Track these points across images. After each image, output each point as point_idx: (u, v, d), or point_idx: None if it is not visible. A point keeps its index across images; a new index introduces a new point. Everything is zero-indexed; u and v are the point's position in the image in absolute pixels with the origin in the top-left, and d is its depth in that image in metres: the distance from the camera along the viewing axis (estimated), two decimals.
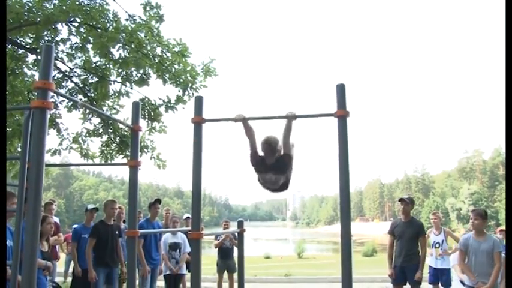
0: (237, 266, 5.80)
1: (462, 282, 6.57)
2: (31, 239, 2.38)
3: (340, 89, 3.33)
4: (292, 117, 3.50)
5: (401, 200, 6.71)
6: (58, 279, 8.89)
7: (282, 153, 3.61)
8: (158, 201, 7.33)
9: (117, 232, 6.53)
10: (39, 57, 7.17)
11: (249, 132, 3.65)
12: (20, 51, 7.76)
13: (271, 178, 3.61)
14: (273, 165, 3.57)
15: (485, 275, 5.33)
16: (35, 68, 8.11)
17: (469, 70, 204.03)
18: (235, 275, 8.14)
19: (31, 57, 8.12)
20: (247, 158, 3.70)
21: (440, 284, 7.60)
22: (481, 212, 5.61)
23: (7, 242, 3.97)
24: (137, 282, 4.77)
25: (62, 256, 10.33)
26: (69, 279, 9.16)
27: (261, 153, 3.64)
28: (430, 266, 7.62)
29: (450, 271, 7.33)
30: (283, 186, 3.76)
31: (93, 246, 6.25)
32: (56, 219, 7.42)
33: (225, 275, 9.51)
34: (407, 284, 6.42)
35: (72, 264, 8.82)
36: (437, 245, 7.58)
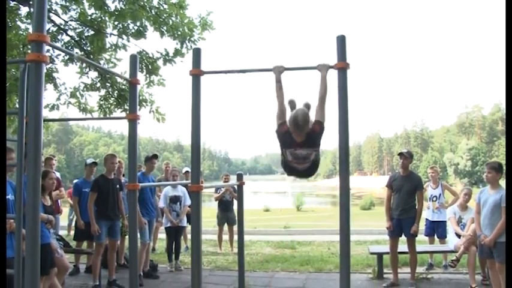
0: (236, 218, 5.90)
1: (457, 235, 6.72)
2: (33, 194, 2.39)
3: (341, 41, 3.26)
4: (325, 69, 3.31)
5: (400, 154, 6.73)
6: (61, 232, 9.07)
7: (313, 121, 3.36)
8: (155, 156, 7.36)
9: (118, 186, 6.59)
10: (32, 9, 6.99)
11: (281, 91, 3.38)
12: (12, 3, 7.57)
13: (301, 153, 3.32)
14: (304, 141, 3.31)
15: (487, 226, 5.38)
16: (29, 21, 7.93)
17: (469, 25, 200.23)
18: (235, 227, 8.31)
19: (24, 10, 7.95)
20: (275, 128, 3.42)
21: (436, 236, 7.77)
22: (495, 164, 5.54)
23: (8, 196, 4.02)
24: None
25: (65, 210, 10.50)
26: (72, 232, 9.36)
27: (288, 124, 3.36)
28: (426, 219, 7.75)
29: (446, 224, 7.47)
30: (313, 166, 3.40)
31: (94, 200, 6.32)
32: (57, 174, 7.48)
33: (225, 227, 9.72)
34: (403, 236, 6.55)
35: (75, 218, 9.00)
36: (434, 199, 7.68)
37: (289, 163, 3.40)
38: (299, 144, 3.32)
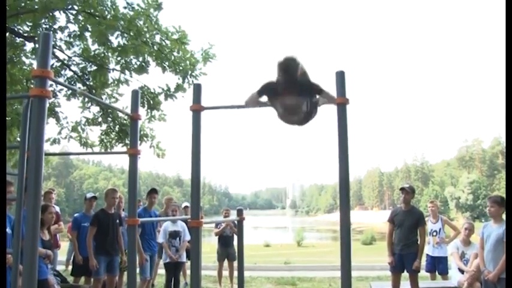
0: (237, 254, 5.83)
1: (460, 270, 6.62)
2: (32, 228, 2.38)
3: (340, 76, 3.31)
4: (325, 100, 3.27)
5: (402, 189, 6.71)
6: (59, 267, 8.94)
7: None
8: (154, 191, 7.35)
9: (117, 221, 6.55)
10: (37, 45, 7.13)
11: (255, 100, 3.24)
12: (18, 40, 7.72)
13: (291, 102, 3.04)
14: (294, 85, 2.97)
15: (490, 261, 5.30)
16: (33, 56, 8.06)
17: (469, 58, 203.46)
18: (235, 263, 8.19)
19: (29, 46, 8.07)
20: (260, 86, 3.20)
21: (437, 272, 7.65)
22: (497, 198, 5.51)
23: (6, 230, 3.99)
24: (137, 270, 4.78)
25: (64, 245, 10.38)
26: (71, 267, 9.22)
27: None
28: (427, 254, 7.65)
29: (447, 259, 7.37)
30: (307, 117, 3.21)
31: (94, 235, 6.26)
32: (56, 208, 7.44)
33: (225, 263, 9.57)
34: (405, 272, 6.45)
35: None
36: (434, 233, 7.61)
37: (282, 117, 3.24)
38: (288, 90, 2.98)
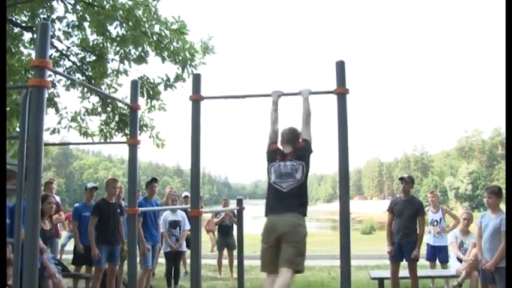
0: (236, 243, 5.86)
1: (459, 259, 6.66)
2: (32, 219, 2.39)
3: (340, 66, 3.31)
4: (306, 93, 3.48)
5: (401, 178, 6.73)
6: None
7: (300, 140, 3.57)
8: (154, 180, 7.37)
9: (118, 210, 6.57)
10: (35, 35, 7.10)
11: (275, 113, 3.58)
12: (16, 30, 7.69)
13: (285, 166, 3.42)
14: (292, 152, 3.50)
15: (488, 251, 5.35)
16: (32, 46, 8.04)
17: (469, 49, 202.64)
18: (235, 252, 8.23)
19: (27, 36, 8.06)
20: (265, 148, 3.65)
21: (437, 261, 7.70)
22: (495, 189, 5.55)
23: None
24: (138, 259, 4.81)
25: (63, 233, 10.41)
26: (65, 256, 9.27)
27: (279, 145, 3.61)
28: (427, 244, 7.69)
29: (447, 248, 7.41)
30: (300, 190, 3.43)
31: (95, 224, 6.29)
32: (57, 198, 7.46)
33: (225, 252, 9.63)
34: (404, 261, 6.49)
35: (71, 241, 8.93)
36: (435, 223, 7.64)
37: (273, 186, 3.46)
38: (285, 156, 3.45)
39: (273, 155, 3.54)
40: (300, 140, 3.53)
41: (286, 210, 3.37)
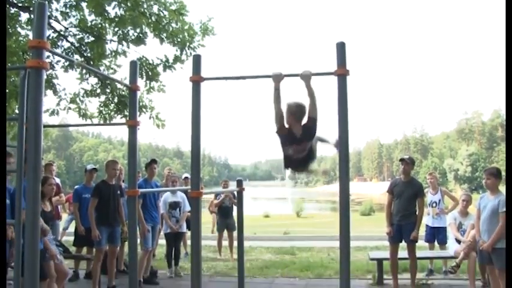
0: (236, 224, 5.89)
1: (458, 241, 6.71)
2: (33, 201, 2.39)
3: (341, 47, 3.27)
4: (308, 78, 3.39)
5: (401, 160, 6.74)
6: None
7: (307, 118, 3.53)
8: (154, 161, 7.38)
9: (118, 192, 6.60)
10: (32, 15, 7.02)
11: (279, 98, 3.48)
12: (13, 10, 7.60)
13: (298, 147, 3.53)
14: (302, 135, 3.50)
15: (485, 232, 5.39)
16: (29, 27, 7.95)
17: (468, 31, 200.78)
18: (235, 233, 8.29)
19: (24, 16, 7.97)
20: (275, 132, 3.58)
21: (436, 242, 7.76)
22: (493, 170, 5.56)
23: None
24: (138, 240, 4.84)
25: (64, 216, 10.47)
26: (65, 238, 9.33)
27: (286, 124, 3.54)
28: (426, 225, 7.73)
29: (446, 230, 7.46)
30: (310, 154, 3.62)
31: (95, 206, 6.32)
32: (57, 180, 7.48)
33: (225, 233, 9.70)
34: (404, 242, 6.54)
35: (72, 224, 8.97)
36: (434, 205, 7.67)
37: (289, 156, 3.60)
38: (298, 140, 3.51)
39: (286, 138, 3.55)
40: (308, 119, 3.51)
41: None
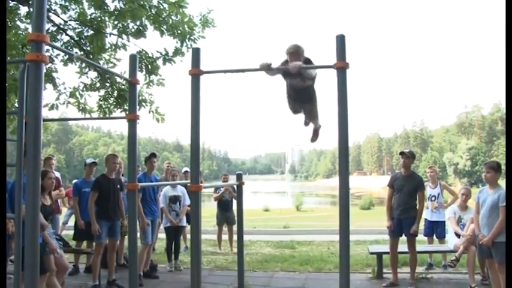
0: (236, 218, 5.90)
1: (457, 234, 6.72)
2: (32, 193, 2.39)
3: (340, 40, 3.25)
4: (296, 70, 3.46)
5: (402, 153, 6.73)
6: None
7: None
8: (153, 155, 7.38)
9: (118, 186, 6.59)
10: (31, 9, 6.98)
11: (276, 72, 3.70)
12: (12, 3, 7.55)
13: (297, 82, 3.72)
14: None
15: (485, 226, 5.38)
16: (28, 20, 7.91)
17: (469, 25, 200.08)
18: (235, 227, 8.30)
19: (23, 10, 7.92)
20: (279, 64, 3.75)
21: (435, 236, 7.77)
22: (493, 164, 5.54)
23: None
24: (138, 234, 4.85)
25: (64, 210, 10.48)
26: (65, 232, 9.34)
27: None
28: (425, 219, 7.72)
29: (445, 223, 7.47)
30: (309, 89, 3.82)
31: (95, 200, 6.32)
32: (57, 174, 7.47)
33: (225, 227, 9.72)
34: (403, 236, 6.55)
35: (72, 218, 8.98)
36: (433, 198, 7.67)
37: (291, 86, 3.84)
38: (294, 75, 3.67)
39: (285, 73, 3.75)
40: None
41: None
